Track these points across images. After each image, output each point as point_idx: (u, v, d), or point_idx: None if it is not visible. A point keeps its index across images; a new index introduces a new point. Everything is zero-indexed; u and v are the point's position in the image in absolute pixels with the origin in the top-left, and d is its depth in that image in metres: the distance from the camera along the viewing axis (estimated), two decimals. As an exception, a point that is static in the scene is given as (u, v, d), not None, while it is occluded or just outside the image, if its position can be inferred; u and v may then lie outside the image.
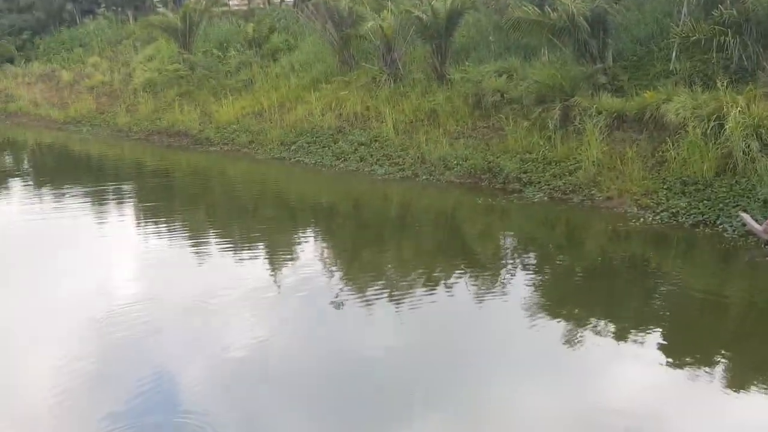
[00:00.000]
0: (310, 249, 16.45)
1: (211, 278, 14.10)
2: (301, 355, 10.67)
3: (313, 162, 23.77)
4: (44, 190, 24.25)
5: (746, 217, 14.40)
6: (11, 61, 46.14)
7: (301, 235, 17.68)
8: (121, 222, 19.35)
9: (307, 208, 20.19)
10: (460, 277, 13.74)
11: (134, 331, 11.49)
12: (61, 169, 29.19)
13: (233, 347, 10.83)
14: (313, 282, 13.66)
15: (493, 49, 24.46)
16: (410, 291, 12.91)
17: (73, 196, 22.33)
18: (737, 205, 14.97)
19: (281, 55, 32.01)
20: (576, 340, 10.70)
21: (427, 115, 23.02)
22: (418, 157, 21.40)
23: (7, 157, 32.88)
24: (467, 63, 23.76)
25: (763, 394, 8.99)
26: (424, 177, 20.58)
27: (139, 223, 19.20)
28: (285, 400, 9.46)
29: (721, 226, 14.77)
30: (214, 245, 16.59)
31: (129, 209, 21.02)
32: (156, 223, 18.68)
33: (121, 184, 24.50)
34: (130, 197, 22.73)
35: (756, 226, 14.11)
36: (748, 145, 15.59)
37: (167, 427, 8.88)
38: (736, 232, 14.37)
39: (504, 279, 13.59)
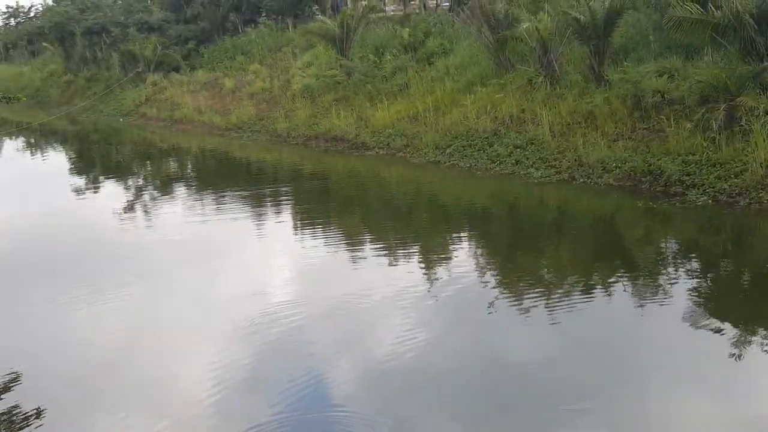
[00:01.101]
0: (464, 252, 16.93)
1: (365, 279, 14.83)
2: (452, 357, 11.02)
3: (467, 165, 24.28)
4: (206, 193, 25.92)
5: None
6: (177, 69, 49.06)
7: (455, 238, 18.19)
8: (279, 224, 20.57)
9: (461, 212, 20.73)
10: (619, 283, 13.82)
11: (288, 330, 12.27)
12: (222, 173, 31.05)
13: (384, 347, 11.31)
14: (467, 286, 14.08)
15: (653, 49, 24.24)
16: (567, 297, 13.13)
17: (233, 199, 23.86)
18: None
19: (436, 58, 32.73)
20: (741, 347, 10.61)
21: (584, 117, 23.09)
22: (575, 160, 21.53)
23: (172, 162, 35.17)
24: (626, 63, 23.68)
25: None
26: (581, 180, 20.71)
27: (296, 224, 20.34)
28: (434, 402, 9.77)
29: None
30: (368, 247, 17.40)
31: (286, 211, 22.26)
32: (312, 224, 19.74)
33: (279, 187, 25.90)
34: (287, 200, 24.03)
35: None
36: None
37: (320, 420, 9.48)
38: None
39: (665, 286, 13.55)
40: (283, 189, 25.75)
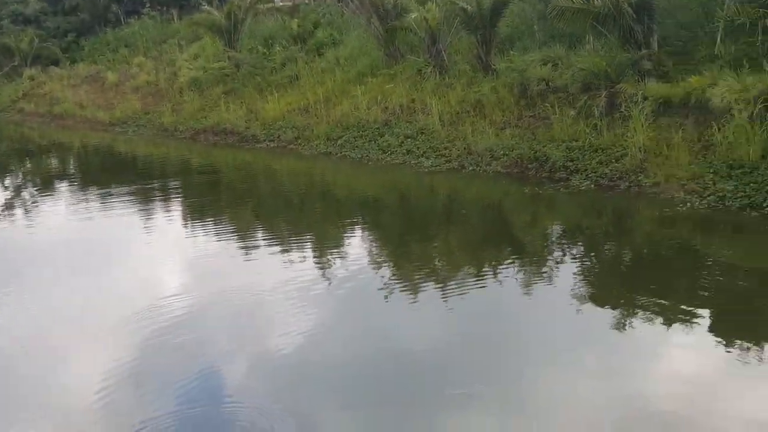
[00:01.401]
0: (356, 242, 17.06)
1: (257, 271, 14.73)
2: (343, 346, 11.06)
3: (359, 156, 24.51)
4: (90, 190, 25.28)
5: None
6: (56, 63, 47.68)
7: (347, 228, 18.30)
8: (168, 219, 20.28)
9: (353, 202, 20.90)
10: (508, 267, 14.17)
11: (177, 323, 12.02)
12: (106, 169, 30.33)
13: (277, 339, 11.23)
14: (360, 274, 14.16)
15: (537, 38, 25.01)
16: (458, 282, 13.36)
17: (119, 195, 23.31)
18: (785, 188, 15.37)
19: (326, 49, 32.85)
20: (624, 327, 11.03)
21: (472, 106, 23.61)
22: (464, 148, 21.99)
23: (53, 158, 34.17)
24: (512, 53, 24.36)
25: None
26: (470, 168, 21.18)
27: (185, 219, 20.07)
28: (325, 391, 9.77)
29: (768, 208, 15.19)
30: (260, 239, 17.32)
31: (175, 206, 21.98)
32: (202, 218, 19.48)
33: (167, 182, 25.58)
34: (176, 194, 23.75)
35: None
36: (795, 127, 16.01)
37: (213, 413, 9.38)
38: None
39: (552, 267, 14.00)
40: (172, 184, 25.43)
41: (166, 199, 22.90)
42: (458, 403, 8.97)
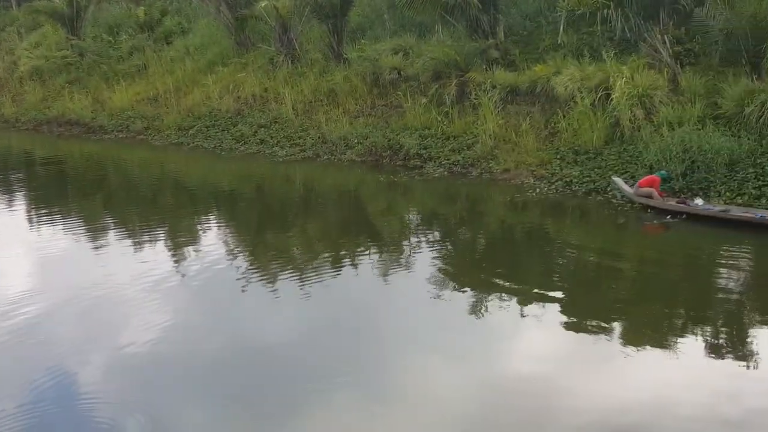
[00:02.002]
0: (212, 234, 16.49)
1: (108, 266, 13.94)
2: (201, 340, 10.62)
3: (212, 146, 23.99)
4: None
5: (618, 181, 15.50)
6: None
7: (202, 220, 17.71)
8: (11, 213, 18.99)
9: (207, 194, 20.25)
10: (366, 255, 14.12)
11: (25, 324, 11.30)
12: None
13: (132, 334, 10.76)
14: (215, 267, 13.69)
15: (388, 27, 25.11)
16: (316, 271, 13.13)
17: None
18: (626, 172, 15.95)
19: (175, 38, 31.88)
20: (481, 310, 11.13)
21: (326, 95, 23.47)
22: (318, 138, 21.85)
23: None
24: (363, 42, 24.31)
25: (659, 350, 9.54)
26: (325, 157, 21.07)
27: (30, 213, 18.89)
28: (182, 386, 9.44)
29: (611, 192, 15.73)
30: (111, 234, 16.41)
31: (19, 200, 20.71)
32: (49, 213, 18.34)
33: (9, 175, 24.24)
34: (20, 188, 22.50)
35: (627, 189, 15.20)
36: (634, 114, 16.64)
37: (68, 411, 8.89)
38: (624, 198, 15.32)
39: (409, 254, 14.02)
40: (14, 176, 24.12)
41: (8, 192, 21.63)
42: (320, 394, 8.80)
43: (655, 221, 14.35)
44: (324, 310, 11.55)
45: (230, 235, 16.44)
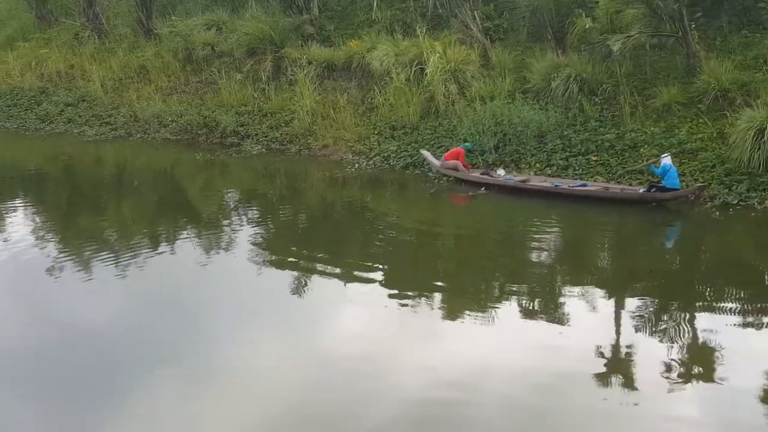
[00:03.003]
0: (19, 219, 15.30)
1: None
2: (12, 330, 9.80)
3: (14, 126, 22.39)
4: None
5: (426, 153, 15.68)
6: None
7: (7, 205, 16.47)
8: None
9: (12, 176, 18.79)
10: (184, 236, 13.52)
11: None
12: None
13: None
14: (24, 254, 12.58)
15: (200, 2, 24.22)
16: (134, 254, 12.34)
17: None
18: (441, 146, 16.08)
19: (-33, 11, 29.56)
20: (304, 287, 10.80)
21: (136, 72, 22.40)
22: (130, 116, 20.82)
23: None
24: (173, 17, 23.33)
25: (478, 320, 9.59)
26: (138, 136, 20.11)
27: None
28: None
29: (427, 166, 15.79)
30: None
31: None
32: None
33: None
34: None
35: (434, 161, 15.41)
36: (448, 89, 16.81)
37: None
38: (438, 172, 15.41)
39: (230, 233, 13.51)
40: None
41: None
42: (143, 377, 8.29)
43: (470, 192, 14.53)
44: (143, 294, 10.88)
45: (40, 220, 15.28)
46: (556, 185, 13.83)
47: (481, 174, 14.85)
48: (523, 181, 14.23)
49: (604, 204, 13.21)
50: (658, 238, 12.76)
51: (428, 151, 15.80)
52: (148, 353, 8.89)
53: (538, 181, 14.18)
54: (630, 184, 13.65)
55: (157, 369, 8.51)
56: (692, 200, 12.79)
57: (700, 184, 12.90)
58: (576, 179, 14.08)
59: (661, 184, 12.80)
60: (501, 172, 14.75)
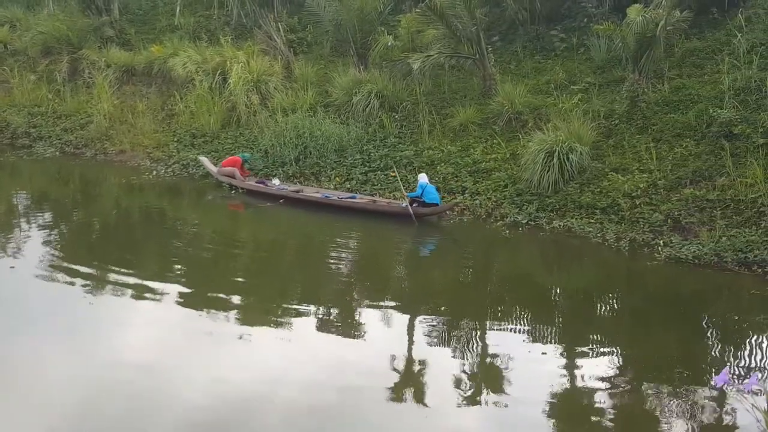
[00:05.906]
0: None
1: None
2: None
3: None
4: None
5: (204, 160, 15.29)
6: None
7: None
8: None
9: None
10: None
11: None
12: None
13: None
14: None
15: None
16: None
17: None
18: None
19: None
20: (96, 296, 9.93)
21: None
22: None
23: None
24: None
25: (272, 331, 9.14)
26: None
27: None
28: None
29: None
30: None
31: None
32: None
33: None
34: None
35: (212, 168, 15.01)
36: (250, 99, 16.36)
37: None
38: (216, 179, 14.93)
39: (18, 239, 12.25)
40: None
41: None
42: None
43: (269, 204, 14.10)
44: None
45: None
46: (326, 196, 13.68)
47: (256, 183, 14.56)
48: (296, 192, 14.02)
49: (372, 216, 13.18)
50: (440, 254, 12.73)
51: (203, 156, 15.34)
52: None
53: (311, 192, 14.00)
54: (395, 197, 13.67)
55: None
56: (454, 214, 13.07)
57: (455, 201, 13.16)
58: (350, 192, 13.97)
59: (422, 200, 13.02)
60: (276, 181, 14.49)
